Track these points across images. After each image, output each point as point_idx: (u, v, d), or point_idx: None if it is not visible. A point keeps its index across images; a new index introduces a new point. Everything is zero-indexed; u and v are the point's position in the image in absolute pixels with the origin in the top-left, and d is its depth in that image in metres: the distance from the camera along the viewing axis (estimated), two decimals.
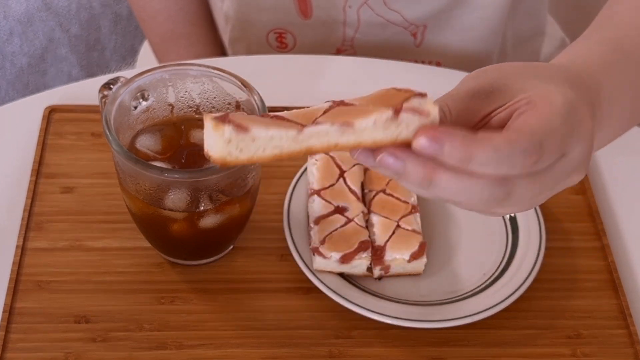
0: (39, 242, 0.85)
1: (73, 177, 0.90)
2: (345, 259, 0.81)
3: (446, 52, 1.12)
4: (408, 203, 0.85)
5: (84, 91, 0.98)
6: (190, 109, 0.83)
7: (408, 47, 1.12)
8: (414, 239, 0.82)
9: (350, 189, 0.86)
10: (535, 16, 1.19)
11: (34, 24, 1.78)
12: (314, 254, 0.82)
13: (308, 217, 0.85)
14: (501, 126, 0.60)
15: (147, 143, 0.81)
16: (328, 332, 0.81)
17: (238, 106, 0.82)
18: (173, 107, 0.83)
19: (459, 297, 0.82)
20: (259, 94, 0.79)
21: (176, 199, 0.77)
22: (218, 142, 0.56)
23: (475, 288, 0.83)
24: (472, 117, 0.62)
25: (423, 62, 1.13)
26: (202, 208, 0.78)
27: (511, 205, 0.60)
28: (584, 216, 0.90)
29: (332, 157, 0.87)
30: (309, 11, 1.08)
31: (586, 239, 0.89)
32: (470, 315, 0.80)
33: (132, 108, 0.81)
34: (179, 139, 0.82)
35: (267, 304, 0.82)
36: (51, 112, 0.96)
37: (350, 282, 0.82)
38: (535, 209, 0.87)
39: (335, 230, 0.83)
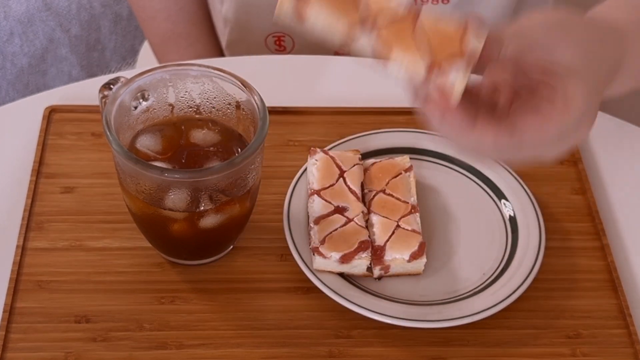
0: (39, 242, 0.85)
1: (73, 177, 0.90)
2: (345, 259, 0.81)
3: None
4: (408, 203, 0.85)
5: (84, 91, 0.98)
6: (191, 109, 0.84)
7: None
8: (414, 239, 0.82)
9: (350, 189, 0.86)
10: None
11: (34, 24, 1.78)
12: (314, 254, 0.82)
13: (308, 217, 0.85)
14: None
15: (147, 143, 0.81)
16: (328, 331, 0.81)
17: (238, 106, 0.82)
18: (173, 107, 0.83)
19: (459, 297, 0.82)
20: (259, 94, 0.79)
21: (176, 199, 0.77)
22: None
23: (475, 288, 0.83)
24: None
25: None
26: (202, 208, 0.78)
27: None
28: (583, 216, 0.90)
29: (332, 158, 0.88)
30: None
31: (586, 238, 0.88)
32: (469, 315, 0.80)
33: (133, 108, 0.81)
34: (179, 139, 0.82)
35: (267, 304, 0.82)
36: (51, 112, 0.96)
37: (350, 282, 0.82)
38: (535, 208, 0.87)
39: (335, 230, 0.83)
